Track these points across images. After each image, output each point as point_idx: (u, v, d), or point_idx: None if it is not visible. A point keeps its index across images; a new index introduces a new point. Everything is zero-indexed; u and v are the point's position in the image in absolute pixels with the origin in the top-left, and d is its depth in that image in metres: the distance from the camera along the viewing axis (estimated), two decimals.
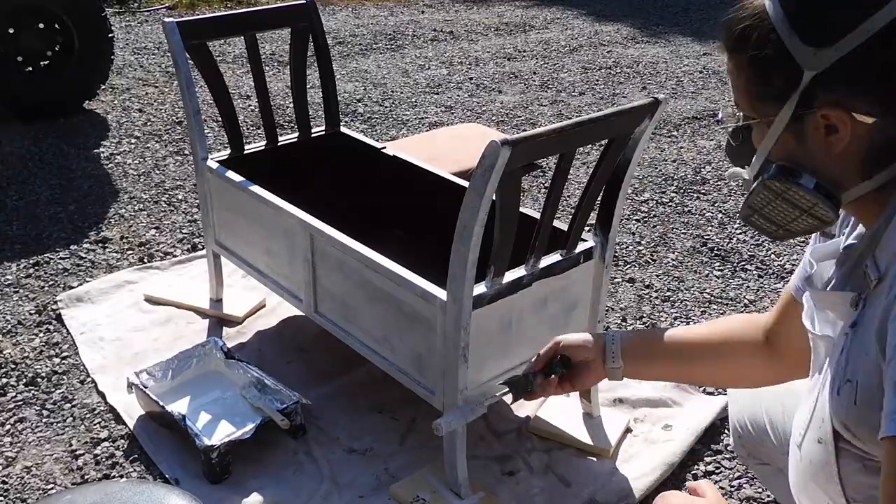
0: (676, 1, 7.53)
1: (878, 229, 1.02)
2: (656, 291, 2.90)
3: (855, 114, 0.94)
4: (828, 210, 1.02)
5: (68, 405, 2.29)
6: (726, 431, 2.18)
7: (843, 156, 0.99)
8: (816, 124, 0.98)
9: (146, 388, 2.16)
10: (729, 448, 2.12)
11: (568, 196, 3.60)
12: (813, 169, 1.01)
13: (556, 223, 1.91)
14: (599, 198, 1.96)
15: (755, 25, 0.98)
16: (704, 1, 7.52)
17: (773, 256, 3.14)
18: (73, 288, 2.83)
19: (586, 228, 2.01)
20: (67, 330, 2.61)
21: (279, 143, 2.66)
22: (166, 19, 2.36)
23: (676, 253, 3.17)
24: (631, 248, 3.20)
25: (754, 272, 3.04)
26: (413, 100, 4.88)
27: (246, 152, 2.58)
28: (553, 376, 1.58)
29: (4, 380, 2.37)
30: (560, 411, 2.22)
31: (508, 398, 1.66)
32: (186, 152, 3.99)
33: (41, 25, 4.24)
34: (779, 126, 1.01)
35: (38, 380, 2.38)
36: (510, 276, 1.83)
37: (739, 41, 1.00)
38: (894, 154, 0.98)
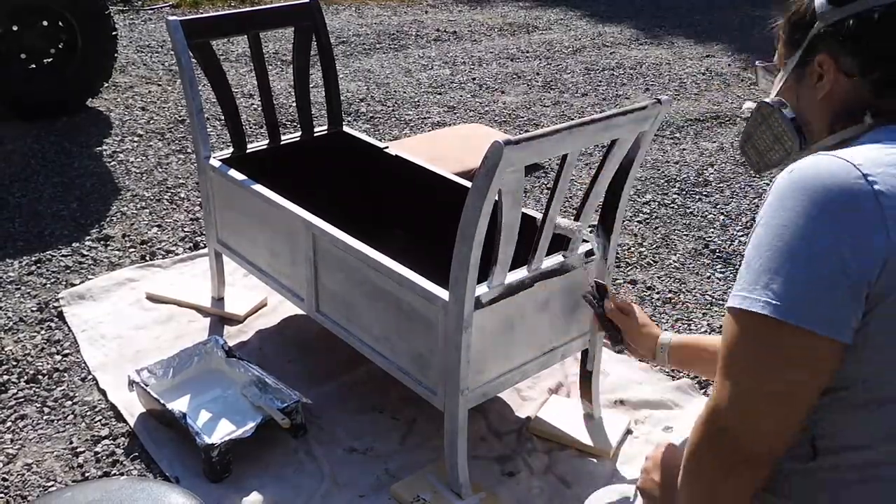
0: (679, 3, 7.53)
1: None
2: (658, 293, 2.90)
3: (840, 68, 1.13)
4: (793, 140, 1.23)
5: (69, 403, 2.29)
6: None
7: (822, 105, 1.18)
8: (812, 70, 1.17)
9: (147, 386, 2.16)
10: None
11: (570, 197, 3.60)
12: (798, 109, 1.22)
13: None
14: (601, 199, 1.96)
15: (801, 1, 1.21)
16: (707, 3, 7.52)
17: None
18: (74, 285, 2.84)
19: (588, 229, 2.01)
20: (69, 327, 2.61)
21: (282, 143, 2.66)
22: (170, 18, 2.36)
23: (678, 255, 3.17)
24: (633, 249, 3.20)
25: None
26: (416, 100, 4.88)
27: (248, 151, 2.58)
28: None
29: (6, 377, 2.37)
30: (561, 412, 2.22)
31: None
32: (189, 151, 3.99)
33: (44, 23, 4.24)
34: (789, 67, 1.22)
35: (40, 377, 2.38)
36: (512, 276, 1.83)
37: (793, 7, 1.22)
38: (855, 117, 1.14)
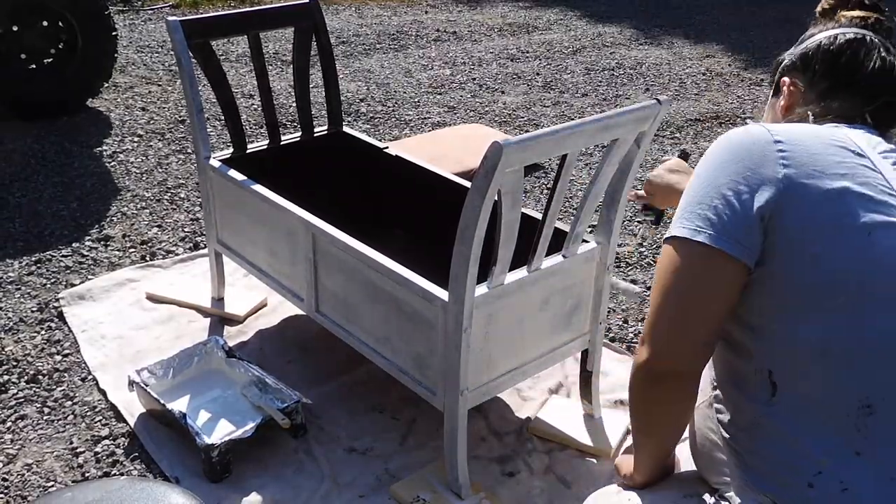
0: (679, 3, 7.53)
1: None
2: None
3: (794, 83, 1.40)
4: None
5: (69, 403, 2.29)
6: None
7: (781, 116, 1.40)
8: (781, 90, 1.42)
9: (147, 386, 2.16)
10: None
11: (570, 197, 3.60)
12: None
13: (557, 224, 1.91)
14: (601, 199, 1.96)
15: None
16: (707, 3, 7.52)
17: None
18: (74, 286, 2.84)
19: (588, 230, 2.01)
20: (69, 327, 2.61)
21: (282, 143, 2.66)
22: (170, 18, 2.36)
23: None
24: (633, 249, 3.20)
25: None
26: (416, 100, 4.88)
27: (248, 151, 2.58)
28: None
29: (6, 377, 2.37)
30: (561, 412, 2.22)
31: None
32: (189, 151, 3.99)
33: (44, 23, 4.24)
34: (770, 97, 1.48)
35: (40, 377, 2.38)
36: (512, 276, 1.83)
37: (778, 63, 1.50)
38: (804, 120, 1.35)
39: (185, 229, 3.27)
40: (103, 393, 2.32)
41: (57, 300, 2.74)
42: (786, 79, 1.41)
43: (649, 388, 1.28)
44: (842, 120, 1.32)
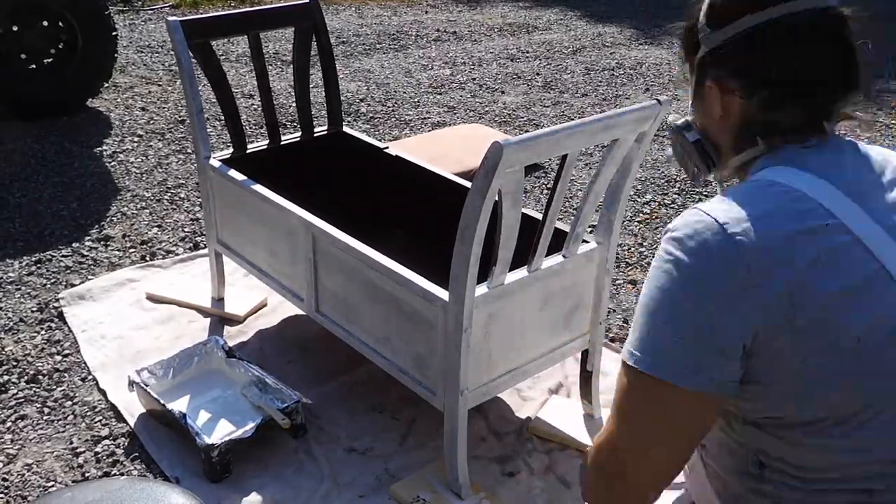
0: (679, 3, 7.52)
1: None
2: None
3: (727, 90, 1.13)
4: (698, 164, 1.24)
5: (69, 403, 2.29)
6: None
7: (723, 127, 1.17)
8: (708, 94, 1.16)
9: (147, 386, 2.16)
10: None
11: (570, 197, 3.60)
12: (705, 131, 1.22)
13: (557, 224, 1.91)
14: (601, 199, 1.96)
15: (695, 12, 1.18)
16: None
17: None
18: (75, 286, 2.84)
19: (588, 230, 2.01)
20: (69, 328, 2.61)
21: (282, 143, 2.66)
22: (170, 18, 2.36)
23: None
24: (633, 249, 3.20)
25: None
26: (416, 100, 4.88)
27: (248, 151, 2.58)
28: None
29: (6, 377, 2.37)
30: (561, 412, 2.22)
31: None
32: (189, 151, 3.99)
33: (45, 23, 4.24)
34: (689, 90, 1.22)
35: (40, 377, 2.38)
36: (512, 276, 1.83)
37: (686, 23, 1.22)
38: (753, 137, 1.13)
39: (185, 229, 3.27)
40: (103, 393, 2.32)
41: (57, 300, 2.74)
42: (710, 83, 1.15)
43: (605, 494, 1.14)
44: (793, 135, 1.10)
